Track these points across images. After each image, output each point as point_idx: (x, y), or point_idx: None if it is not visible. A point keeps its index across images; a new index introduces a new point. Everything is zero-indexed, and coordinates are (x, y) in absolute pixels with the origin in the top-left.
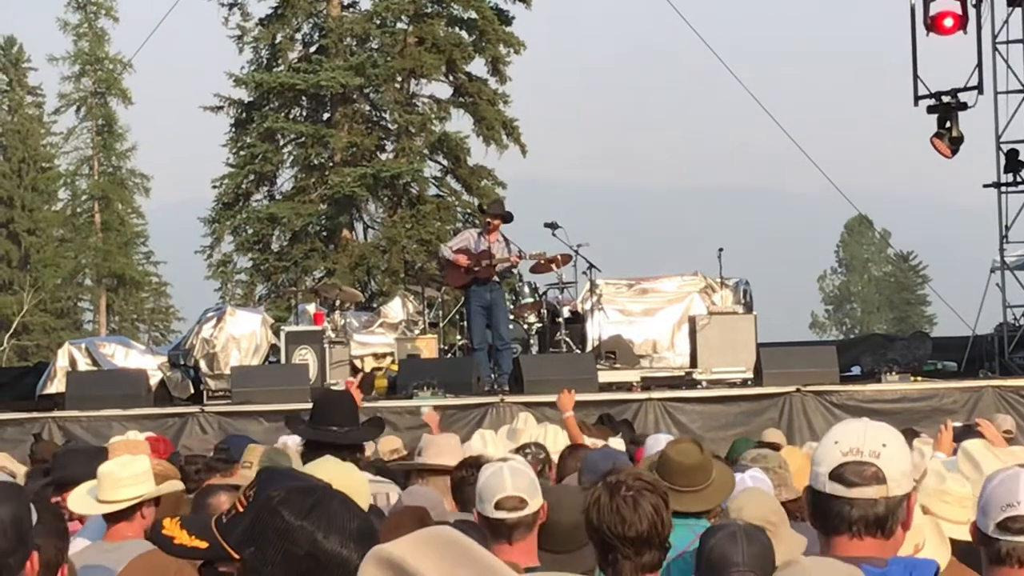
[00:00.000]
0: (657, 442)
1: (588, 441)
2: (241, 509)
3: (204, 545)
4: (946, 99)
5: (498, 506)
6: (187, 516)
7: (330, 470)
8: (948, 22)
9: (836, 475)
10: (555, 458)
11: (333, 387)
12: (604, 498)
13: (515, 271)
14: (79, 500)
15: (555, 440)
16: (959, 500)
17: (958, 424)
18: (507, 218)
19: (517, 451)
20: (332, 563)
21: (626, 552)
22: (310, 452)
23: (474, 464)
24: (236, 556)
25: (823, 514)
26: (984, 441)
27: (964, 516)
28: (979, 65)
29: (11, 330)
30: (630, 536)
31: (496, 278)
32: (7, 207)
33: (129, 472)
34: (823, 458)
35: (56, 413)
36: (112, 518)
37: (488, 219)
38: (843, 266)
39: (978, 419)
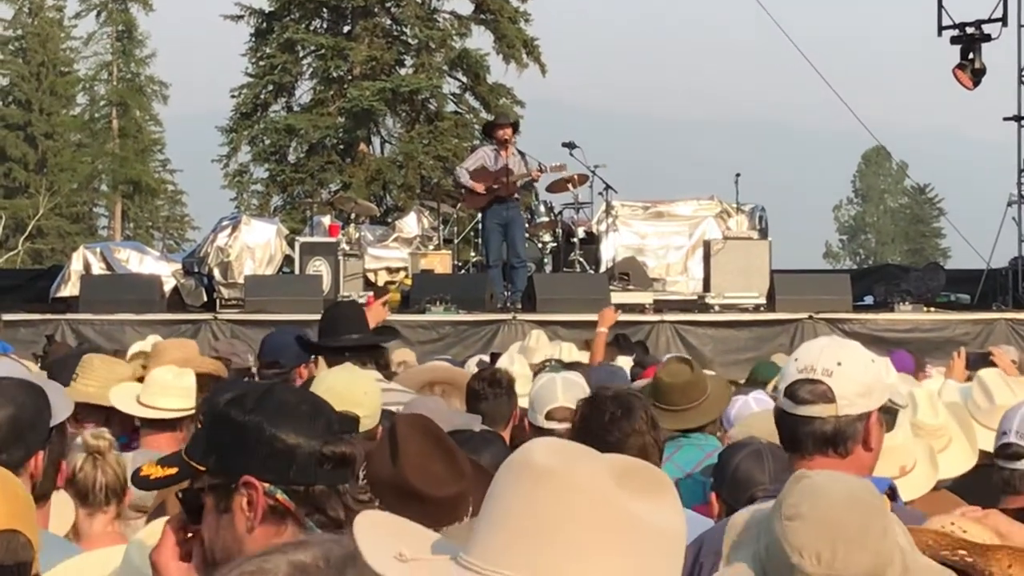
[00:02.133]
0: None
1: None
2: (199, 426)
3: (174, 471)
4: (970, 30)
5: (549, 416)
6: (165, 455)
7: (335, 378)
8: None
9: (789, 392)
10: None
11: (346, 299)
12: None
13: (532, 188)
14: (122, 398)
15: (568, 358)
16: (931, 432)
17: (972, 352)
18: (516, 126)
19: (537, 367)
20: (287, 448)
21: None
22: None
23: (487, 377)
24: (202, 469)
25: (780, 429)
26: (999, 371)
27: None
28: None
29: (26, 233)
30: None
31: (516, 195)
32: (25, 110)
33: (182, 383)
34: (784, 375)
35: (69, 316)
36: (152, 426)
37: (499, 132)
38: (859, 196)
39: (991, 348)
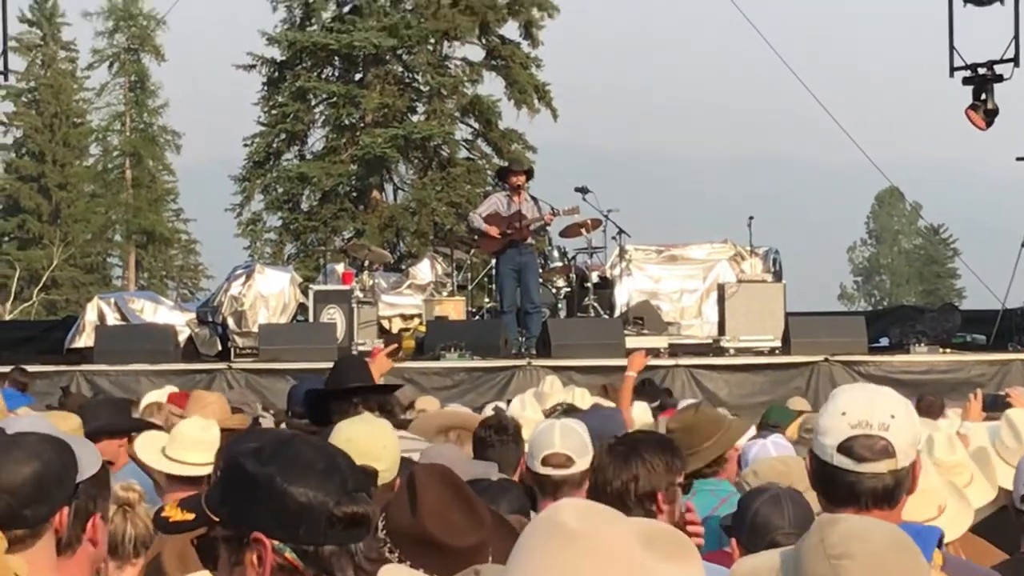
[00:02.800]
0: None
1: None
2: (217, 474)
3: (191, 516)
4: (982, 71)
5: (545, 462)
6: (185, 497)
7: (354, 430)
8: None
9: (845, 449)
10: None
11: (360, 348)
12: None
13: (545, 233)
14: (148, 451)
15: (582, 403)
16: (950, 469)
17: (988, 394)
18: (530, 173)
19: (547, 412)
20: (298, 506)
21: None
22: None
23: (494, 424)
24: (216, 519)
25: (829, 485)
26: None
27: (961, 483)
28: (1016, 37)
29: (40, 284)
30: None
31: (530, 240)
32: (39, 161)
33: (209, 437)
34: (829, 428)
35: (84, 367)
36: (176, 480)
37: (512, 178)
38: (873, 238)
39: (1009, 389)
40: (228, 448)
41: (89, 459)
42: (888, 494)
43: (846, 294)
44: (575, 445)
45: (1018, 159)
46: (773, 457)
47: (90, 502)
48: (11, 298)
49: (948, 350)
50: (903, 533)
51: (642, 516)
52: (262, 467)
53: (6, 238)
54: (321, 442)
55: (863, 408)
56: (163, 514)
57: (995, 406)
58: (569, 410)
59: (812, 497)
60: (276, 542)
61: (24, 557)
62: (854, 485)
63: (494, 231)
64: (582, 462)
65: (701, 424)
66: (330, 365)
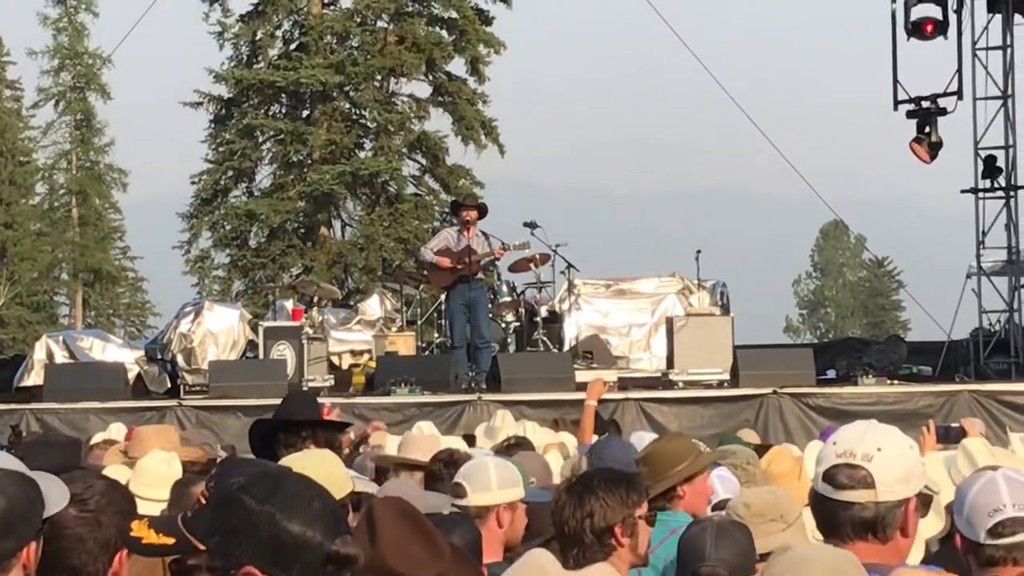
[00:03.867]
0: (641, 440)
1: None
2: (204, 501)
3: (171, 541)
4: (926, 104)
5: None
6: (154, 517)
7: (306, 459)
8: (929, 27)
9: (828, 476)
10: (539, 451)
11: (310, 383)
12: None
13: (494, 268)
14: None
15: (534, 436)
16: None
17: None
18: (482, 210)
19: (499, 446)
20: (295, 544)
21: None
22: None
23: (446, 459)
24: (203, 548)
25: (816, 512)
26: (984, 440)
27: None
28: (959, 71)
29: None
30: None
31: (480, 275)
32: None
33: (172, 471)
34: (822, 457)
35: (34, 405)
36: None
37: (464, 213)
38: (818, 270)
39: (962, 420)
40: (218, 478)
41: (55, 494)
42: (868, 525)
43: (792, 327)
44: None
45: (962, 191)
46: (763, 488)
47: (116, 538)
48: None
49: (895, 382)
50: (848, 560)
51: (600, 551)
52: (261, 504)
53: None
54: (310, 480)
55: (852, 439)
56: (133, 534)
57: (947, 438)
58: (517, 443)
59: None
60: None
61: None
62: (834, 512)
63: (446, 262)
64: (498, 495)
65: (666, 451)
66: (279, 402)
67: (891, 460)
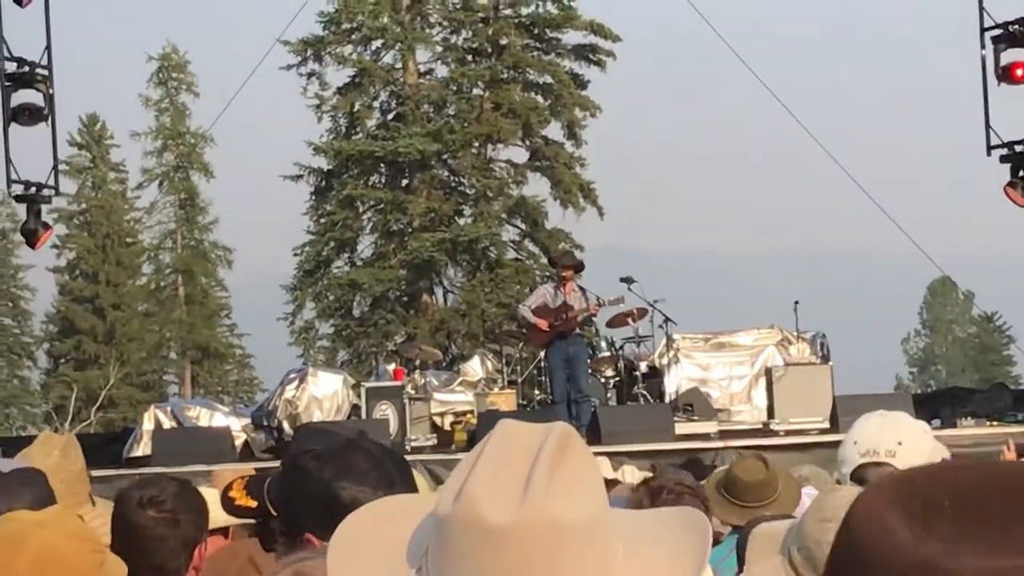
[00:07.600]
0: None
1: None
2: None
3: (254, 504)
4: (1019, 148)
5: None
6: (253, 476)
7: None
8: (1020, 71)
9: (856, 478)
10: None
11: (413, 443)
12: (646, 501)
13: (592, 323)
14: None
15: (631, 478)
16: None
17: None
18: (579, 267)
19: None
20: (350, 509)
21: None
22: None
23: None
24: (275, 512)
25: None
26: None
27: None
28: None
29: (98, 403)
30: None
31: (578, 330)
32: (92, 282)
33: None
34: (845, 457)
35: (143, 469)
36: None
37: (561, 271)
38: (927, 328)
39: None
40: (292, 444)
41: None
42: None
43: (902, 385)
44: None
45: None
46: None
47: (198, 533)
48: (69, 419)
49: (995, 423)
50: None
51: None
52: (320, 471)
53: (62, 360)
54: (375, 449)
55: (872, 437)
56: (230, 493)
57: None
58: (611, 483)
59: None
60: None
61: None
62: None
63: (543, 324)
64: None
65: (772, 480)
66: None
67: (913, 449)
